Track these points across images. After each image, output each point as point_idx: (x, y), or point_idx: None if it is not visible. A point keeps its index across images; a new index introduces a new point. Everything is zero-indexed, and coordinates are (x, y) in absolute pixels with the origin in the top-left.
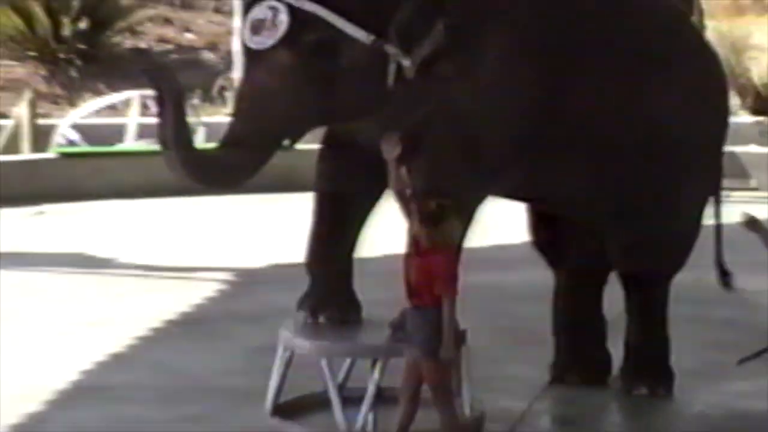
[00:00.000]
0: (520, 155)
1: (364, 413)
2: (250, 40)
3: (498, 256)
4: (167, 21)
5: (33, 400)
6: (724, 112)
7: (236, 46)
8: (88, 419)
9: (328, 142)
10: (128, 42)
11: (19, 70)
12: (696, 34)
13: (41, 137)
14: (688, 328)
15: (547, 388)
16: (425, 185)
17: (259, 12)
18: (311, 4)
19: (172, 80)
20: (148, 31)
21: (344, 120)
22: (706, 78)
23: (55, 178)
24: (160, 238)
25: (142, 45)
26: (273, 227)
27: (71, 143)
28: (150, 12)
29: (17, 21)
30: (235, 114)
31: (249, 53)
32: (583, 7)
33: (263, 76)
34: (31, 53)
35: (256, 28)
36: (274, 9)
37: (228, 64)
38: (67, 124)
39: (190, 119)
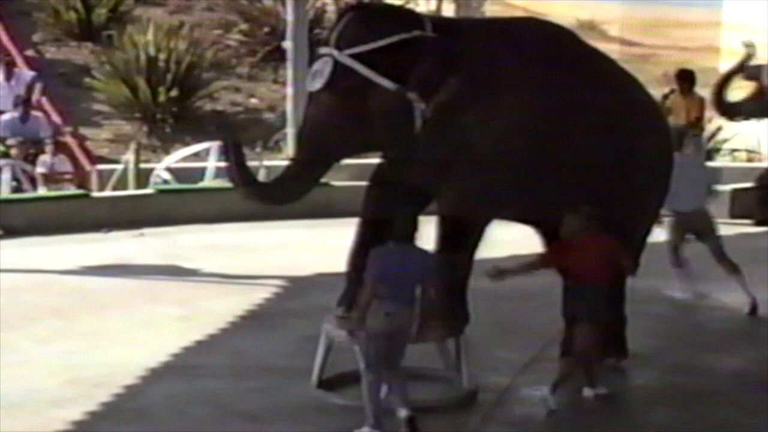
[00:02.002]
0: (525, 187)
1: (387, 387)
2: (309, 85)
3: (489, 267)
4: (237, 89)
5: (132, 376)
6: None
7: (290, 108)
8: (176, 391)
9: (374, 180)
10: (208, 106)
11: (126, 127)
12: (647, 96)
13: (143, 178)
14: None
15: (526, 367)
16: (453, 209)
17: (317, 63)
18: (347, 58)
19: (233, 135)
20: (223, 97)
21: (375, 149)
22: (657, 128)
23: (153, 208)
24: (232, 253)
25: (219, 108)
26: (316, 245)
27: (165, 182)
28: (224, 83)
29: (125, 90)
30: (297, 141)
31: (309, 95)
32: (569, 78)
33: (315, 113)
34: (136, 114)
35: (314, 75)
36: (325, 61)
37: (283, 122)
38: (162, 168)
39: (252, 162)
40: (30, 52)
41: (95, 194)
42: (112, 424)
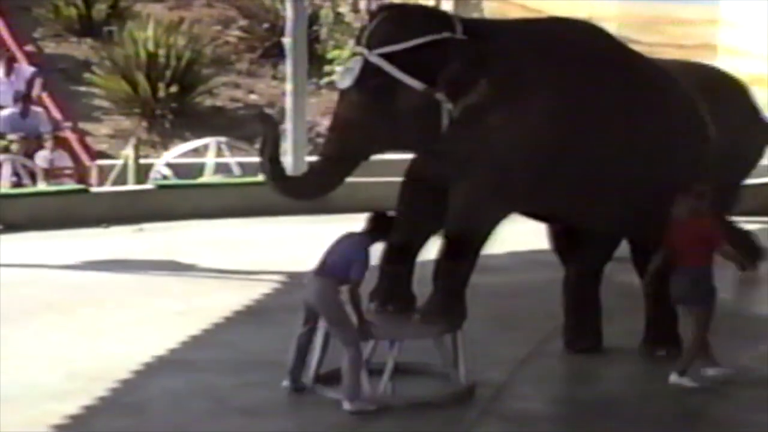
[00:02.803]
0: (542, 187)
1: (384, 381)
2: (339, 83)
3: (488, 264)
4: (236, 85)
5: (130, 370)
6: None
7: (289, 105)
8: (173, 385)
9: (407, 177)
10: (208, 102)
11: (126, 122)
12: (683, 93)
13: (142, 173)
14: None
15: (523, 363)
16: (464, 208)
17: (348, 63)
18: (376, 57)
19: (274, 130)
20: (222, 93)
21: (403, 148)
22: (691, 126)
23: (153, 204)
24: (231, 248)
25: (218, 104)
26: (315, 241)
27: (165, 177)
28: (224, 79)
29: (126, 86)
30: (326, 138)
31: (339, 93)
32: (594, 79)
33: (344, 110)
34: (136, 110)
35: (344, 73)
36: (355, 60)
37: (282, 117)
38: (161, 163)
39: (254, 158)
40: (30, 48)
41: (95, 189)
42: (110, 418)
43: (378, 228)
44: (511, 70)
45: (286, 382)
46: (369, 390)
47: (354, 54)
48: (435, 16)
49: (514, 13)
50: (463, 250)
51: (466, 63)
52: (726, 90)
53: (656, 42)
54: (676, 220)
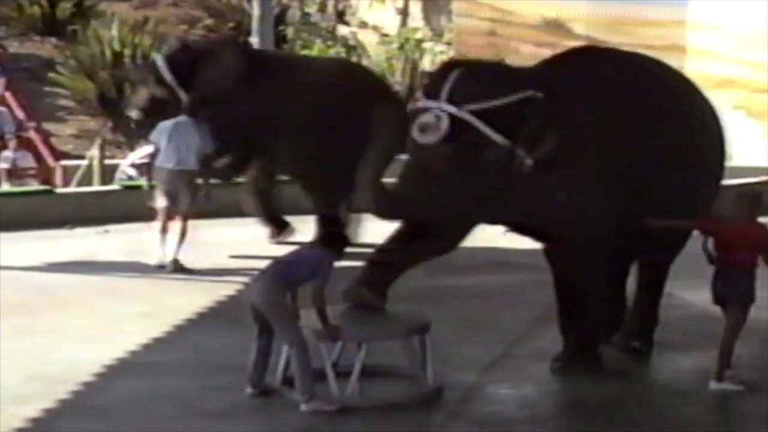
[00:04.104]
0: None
1: (352, 383)
2: (419, 138)
3: (455, 262)
4: None
5: (94, 373)
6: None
7: None
8: (138, 388)
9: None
10: None
11: (91, 123)
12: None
13: (108, 174)
14: None
15: (492, 365)
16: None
17: (426, 117)
18: (468, 114)
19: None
20: None
21: (479, 200)
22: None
23: (118, 204)
24: (196, 250)
25: None
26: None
27: (130, 178)
28: None
29: (90, 85)
30: (400, 187)
31: (417, 145)
32: (650, 122)
33: (428, 162)
34: (101, 110)
35: (423, 128)
36: (438, 116)
37: None
38: (127, 164)
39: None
40: None
41: (59, 190)
42: (74, 421)
43: (335, 240)
44: (578, 125)
45: (248, 389)
46: (337, 392)
47: (426, 109)
48: (514, 73)
49: (483, 12)
50: (592, 306)
51: (545, 120)
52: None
53: (624, 42)
54: (727, 221)
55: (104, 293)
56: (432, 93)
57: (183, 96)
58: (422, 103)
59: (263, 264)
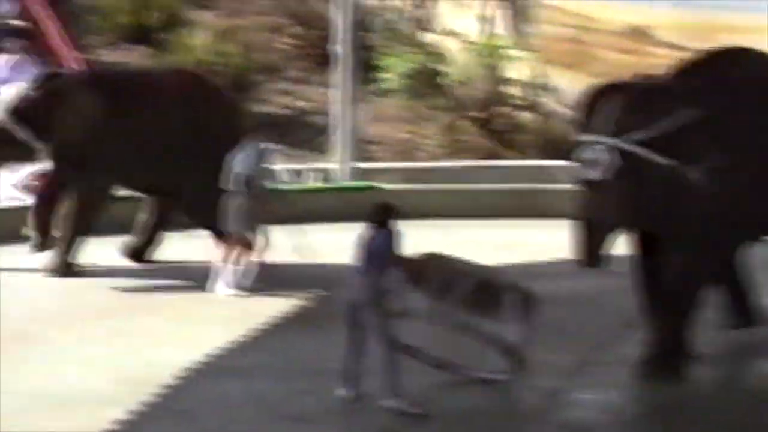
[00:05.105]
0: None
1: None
2: (586, 174)
3: (539, 268)
4: (286, 92)
5: (178, 376)
6: None
7: (337, 112)
8: (223, 391)
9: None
10: (258, 108)
11: None
12: None
13: None
14: None
15: (576, 370)
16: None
17: (589, 152)
18: (633, 145)
19: None
20: (272, 100)
21: (646, 220)
22: None
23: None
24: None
25: (269, 110)
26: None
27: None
28: (274, 86)
29: None
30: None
31: (586, 181)
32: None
33: (598, 193)
34: None
35: (590, 164)
36: (601, 150)
37: (326, 123)
38: None
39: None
40: (81, 54)
41: None
42: (159, 424)
43: (386, 216)
44: (733, 134)
45: (341, 391)
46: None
47: (587, 142)
48: (666, 91)
49: (567, 19)
50: (687, 308)
51: (707, 139)
52: None
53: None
54: None
55: (190, 298)
56: (593, 125)
57: None
58: (585, 137)
59: (342, 270)
